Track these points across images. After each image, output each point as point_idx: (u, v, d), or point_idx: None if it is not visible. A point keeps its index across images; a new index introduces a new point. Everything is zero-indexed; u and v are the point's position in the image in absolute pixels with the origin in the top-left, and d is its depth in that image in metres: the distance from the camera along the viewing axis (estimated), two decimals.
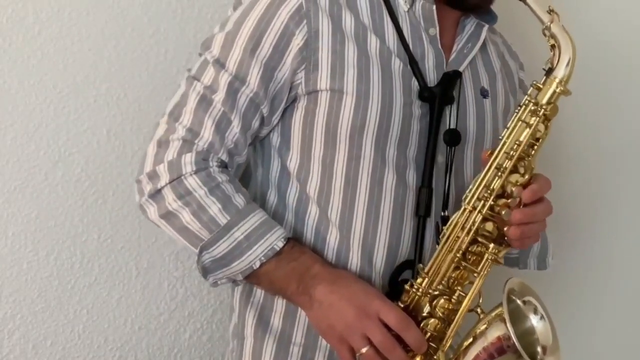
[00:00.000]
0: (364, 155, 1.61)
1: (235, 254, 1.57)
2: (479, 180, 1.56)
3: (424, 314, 1.57)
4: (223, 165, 1.62)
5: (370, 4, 1.67)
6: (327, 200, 1.63)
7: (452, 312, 1.56)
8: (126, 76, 1.98)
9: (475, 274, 1.56)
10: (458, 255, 1.56)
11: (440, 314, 1.56)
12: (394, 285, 1.62)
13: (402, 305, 1.57)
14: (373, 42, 1.63)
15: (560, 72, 1.55)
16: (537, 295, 1.59)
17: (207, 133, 1.59)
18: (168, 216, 1.59)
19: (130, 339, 2.03)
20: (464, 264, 1.57)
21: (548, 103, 1.55)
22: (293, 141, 1.65)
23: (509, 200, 1.55)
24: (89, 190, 1.96)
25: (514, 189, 1.55)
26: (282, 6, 1.60)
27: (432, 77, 1.66)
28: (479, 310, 1.57)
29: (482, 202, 1.55)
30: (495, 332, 1.54)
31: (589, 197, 2.31)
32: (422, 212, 1.64)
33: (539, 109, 1.55)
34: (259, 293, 1.68)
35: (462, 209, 1.56)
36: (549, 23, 1.56)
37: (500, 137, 1.57)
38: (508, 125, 1.57)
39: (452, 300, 1.57)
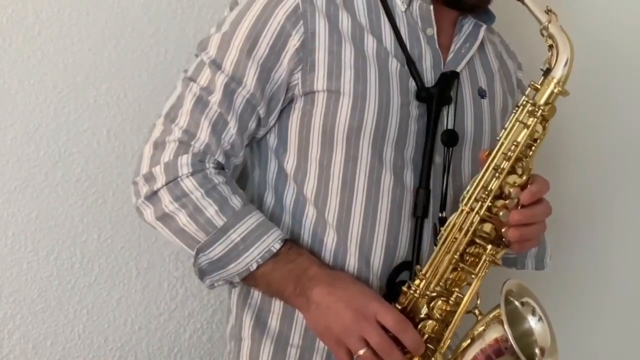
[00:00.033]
0: (361, 157, 1.61)
1: (231, 256, 1.57)
2: (477, 181, 1.55)
3: (422, 316, 1.56)
4: (220, 167, 1.61)
5: (367, 4, 1.66)
6: (324, 202, 1.63)
7: (449, 313, 1.56)
8: (126, 76, 1.98)
9: (473, 276, 1.55)
10: (456, 256, 1.55)
11: (438, 316, 1.56)
12: (392, 287, 1.62)
13: (399, 307, 1.56)
14: (370, 43, 1.63)
15: (558, 73, 1.55)
16: (535, 297, 1.59)
17: (203, 134, 1.59)
18: (164, 218, 1.58)
19: (130, 339, 2.03)
20: (461, 265, 1.56)
21: (546, 104, 1.54)
22: (290, 142, 1.65)
23: (507, 202, 1.54)
24: (89, 190, 1.97)
25: (511, 190, 1.54)
26: (279, 7, 1.59)
27: (429, 78, 1.66)
28: (476, 311, 1.56)
29: (480, 203, 1.54)
30: (493, 334, 1.53)
31: (587, 198, 2.31)
32: (419, 213, 1.63)
33: (537, 109, 1.54)
34: (256, 295, 1.67)
35: (460, 210, 1.56)
36: (546, 23, 1.56)
37: (498, 138, 1.57)
38: (505, 126, 1.56)
39: (450, 301, 1.56)
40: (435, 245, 1.58)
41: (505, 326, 1.49)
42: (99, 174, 1.97)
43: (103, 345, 2.00)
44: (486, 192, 1.54)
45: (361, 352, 1.50)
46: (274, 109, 1.63)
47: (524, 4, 1.57)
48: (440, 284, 1.56)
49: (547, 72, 1.56)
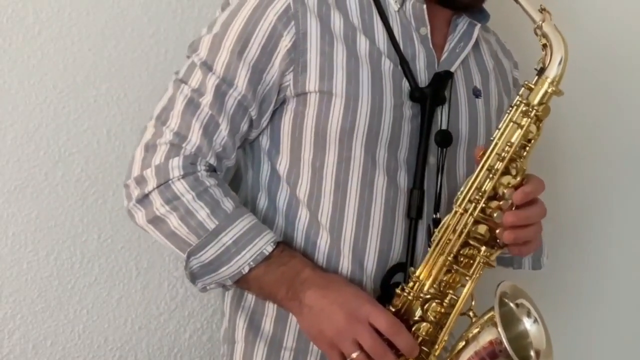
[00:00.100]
0: (354, 158, 1.60)
1: (223, 260, 1.56)
2: (470, 182, 1.54)
3: (416, 318, 1.55)
4: (211, 169, 1.61)
5: (359, 4, 1.65)
6: (317, 204, 1.62)
7: (444, 315, 1.55)
8: (126, 76, 1.98)
9: (467, 277, 1.54)
10: (450, 258, 1.54)
11: (432, 318, 1.54)
12: (386, 289, 1.61)
13: (393, 310, 1.55)
14: (362, 43, 1.61)
15: (552, 72, 1.53)
16: (530, 298, 1.57)
17: (194, 137, 1.58)
18: (156, 221, 1.58)
19: (130, 339, 2.03)
20: (455, 267, 1.55)
21: (540, 103, 1.53)
22: (282, 144, 1.64)
23: (501, 203, 1.53)
24: (89, 190, 1.96)
25: (505, 190, 1.53)
26: (270, 7, 1.58)
27: (423, 78, 1.64)
28: (471, 313, 1.56)
29: (474, 204, 1.53)
30: (487, 336, 1.52)
31: (584, 198, 2.29)
32: (413, 215, 1.62)
33: (531, 109, 1.53)
34: (250, 297, 1.67)
35: (454, 211, 1.54)
36: (540, 22, 1.55)
37: (492, 138, 1.55)
38: (499, 126, 1.55)
39: (444, 303, 1.55)
40: (429, 246, 1.56)
41: (499, 328, 1.48)
42: (99, 174, 1.96)
43: (103, 345, 2.00)
44: (480, 193, 1.53)
45: (354, 355, 1.49)
46: (266, 110, 1.62)
47: (517, 2, 1.56)
48: (434, 286, 1.55)
49: (541, 71, 1.55)
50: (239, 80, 1.58)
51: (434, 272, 1.55)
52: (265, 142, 1.66)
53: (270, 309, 1.65)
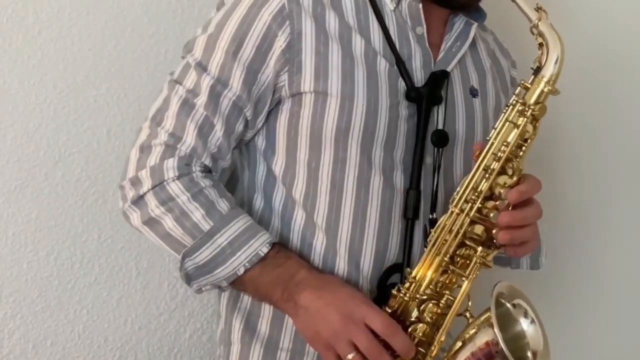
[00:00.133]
0: (349, 158, 1.59)
1: (218, 261, 1.55)
2: (466, 182, 1.53)
3: (412, 319, 1.55)
4: (207, 170, 1.60)
5: (355, 3, 1.64)
6: (313, 205, 1.61)
7: (440, 316, 1.54)
8: (126, 76, 1.98)
9: (464, 278, 1.53)
10: (446, 259, 1.53)
11: (429, 319, 1.54)
12: (382, 290, 1.60)
13: (389, 310, 1.54)
14: (358, 43, 1.61)
15: (548, 71, 1.52)
16: (527, 299, 1.57)
17: (189, 138, 1.58)
18: (151, 222, 1.58)
19: (130, 339, 2.03)
20: (452, 267, 1.54)
21: (536, 103, 1.52)
22: (278, 144, 1.63)
23: (497, 203, 1.52)
24: (89, 190, 1.96)
25: (502, 190, 1.52)
26: (264, 7, 1.58)
27: (419, 77, 1.63)
28: (468, 314, 1.55)
29: (470, 204, 1.52)
30: (483, 337, 1.51)
31: (583, 198, 2.28)
32: (410, 215, 1.61)
33: (527, 109, 1.52)
34: (246, 299, 1.66)
35: (450, 211, 1.54)
36: (536, 21, 1.53)
37: (488, 138, 1.54)
38: (495, 126, 1.54)
39: (441, 304, 1.54)
40: (426, 247, 1.56)
41: (496, 329, 1.47)
42: (99, 174, 1.96)
43: (103, 345, 2.00)
44: (476, 194, 1.52)
45: (350, 356, 1.48)
46: (261, 110, 1.61)
47: (513, 1, 1.55)
48: (431, 286, 1.54)
49: (537, 70, 1.54)
50: (234, 80, 1.58)
51: (430, 273, 1.54)
52: (260, 142, 1.66)
53: (267, 310, 1.64)
